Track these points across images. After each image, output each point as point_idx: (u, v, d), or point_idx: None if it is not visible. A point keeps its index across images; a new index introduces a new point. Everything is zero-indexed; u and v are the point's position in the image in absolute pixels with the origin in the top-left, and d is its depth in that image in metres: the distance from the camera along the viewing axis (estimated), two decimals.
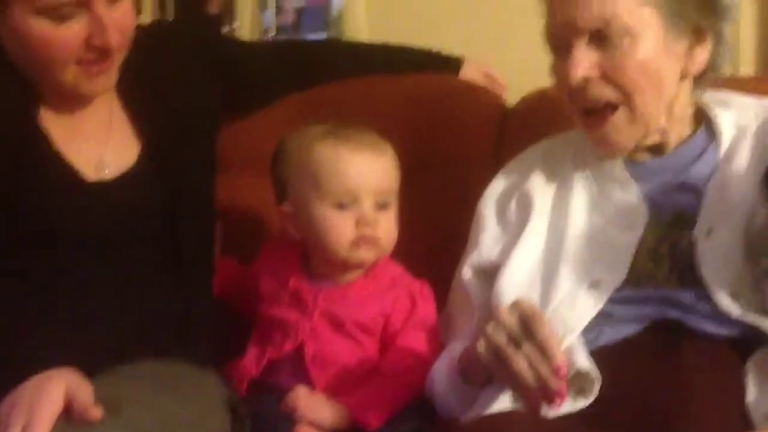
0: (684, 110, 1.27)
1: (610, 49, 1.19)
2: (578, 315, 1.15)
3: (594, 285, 1.18)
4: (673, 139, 1.27)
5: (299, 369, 1.32)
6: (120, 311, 1.27)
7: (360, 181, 1.33)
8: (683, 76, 1.24)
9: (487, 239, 1.31)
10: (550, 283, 1.20)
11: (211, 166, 1.46)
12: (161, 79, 1.38)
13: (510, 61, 1.70)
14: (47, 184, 1.26)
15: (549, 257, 1.24)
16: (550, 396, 0.97)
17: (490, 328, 1.04)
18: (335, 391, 1.29)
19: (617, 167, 1.27)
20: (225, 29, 2.02)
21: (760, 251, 1.09)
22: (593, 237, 1.23)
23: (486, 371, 1.09)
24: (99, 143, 1.31)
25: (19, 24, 1.21)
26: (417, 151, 1.53)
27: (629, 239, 1.20)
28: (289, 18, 1.99)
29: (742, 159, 1.22)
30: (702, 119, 1.29)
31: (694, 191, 1.22)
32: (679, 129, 1.27)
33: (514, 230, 1.29)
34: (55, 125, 1.30)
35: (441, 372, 1.23)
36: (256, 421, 1.26)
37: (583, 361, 1.06)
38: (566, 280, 1.19)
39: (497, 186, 1.37)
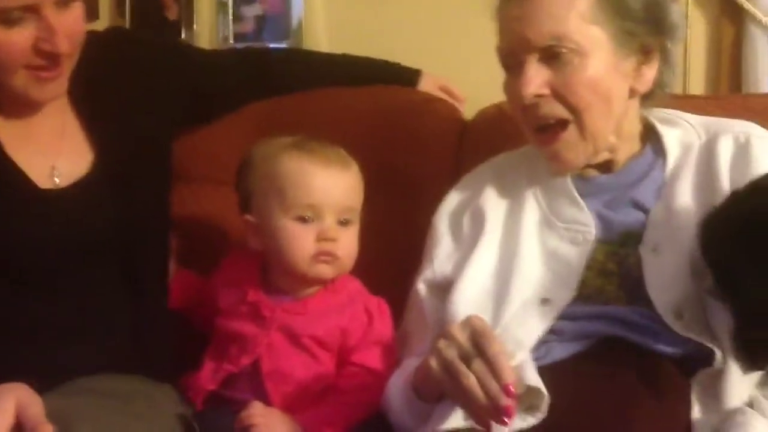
0: (633, 128, 1.30)
1: (560, 66, 1.21)
2: (528, 331, 1.17)
3: (544, 302, 1.20)
4: (622, 156, 1.30)
5: (256, 383, 1.33)
6: (72, 324, 1.26)
7: (324, 196, 1.34)
8: (632, 94, 1.27)
9: (441, 254, 1.33)
10: (501, 299, 1.22)
11: (166, 176, 1.46)
12: (116, 88, 1.38)
13: (468, 73, 1.72)
14: None
15: (501, 273, 1.25)
16: (499, 413, 0.99)
17: (441, 345, 1.06)
18: (291, 406, 1.30)
19: (567, 184, 1.29)
20: (183, 36, 2.01)
21: (703, 271, 1.11)
22: (544, 253, 1.25)
23: (439, 387, 1.10)
24: (51, 151, 1.31)
25: None
26: (375, 163, 1.53)
27: (578, 256, 1.23)
28: (248, 26, 1.99)
29: (687, 178, 1.25)
30: (649, 137, 1.31)
31: (642, 209, 1.25)
32: (628, 146, 1.30)
33: (467, 246, 1.31)
34: (6, 132, 1.29)
35: (396, 388, 1.24)
36: None
37: (533, 377, 1.08)
38: (517, 296, 1.21)
39: (451, 201, 1.38)
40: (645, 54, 1.25)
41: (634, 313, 1.17)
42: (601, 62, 1.22)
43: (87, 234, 1.29)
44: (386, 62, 1.70)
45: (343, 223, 1.36)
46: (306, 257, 1.33)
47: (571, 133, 1.24)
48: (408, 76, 1.69)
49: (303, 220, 1.34)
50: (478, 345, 1.02)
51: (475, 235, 1.30)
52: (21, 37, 1.20)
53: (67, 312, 1.27)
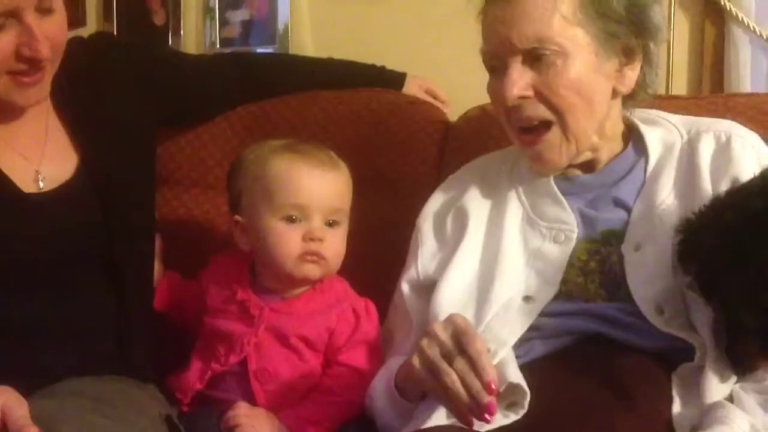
0: (615, 128, 1.31)
1: (543, 68, 1.22)
2: (511, 329, 1.18)
3: (527, 299, 1.21)
4: (604, 156, 1.31)
5: (242, 382, 1.33)
6: (57, 326, 1.27)
7: (311, 196, 1.35)
8: (614, 95, 1.28)
9: (425, 254, 1.34)
10: (484, 297, 1.23)
11: (151, 179, 1.46)
12: (99, 92, 1.38)
13: (452, 76, 1.73)
14: None
15: (484, 272, 1.26)
16: (481, 410, 0.99)
17: (424, 343, 1.07)
18: (277, 405, 1.31)
19: (550, 183, 1.30)
20: (170, 41, 2.02)
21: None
22: (526, 252, 1.26)
23: (421, 386, 1.11)
24: (35, 155, 1.31)
25: None
26: (360, 164, 1.54)
27: (561, 254, 1.24)
28: (234, 31, 2.00)
29: (669, 177, 1.26)
30: (631, 136, 1.33)
31: (624, 207, 1.26)
32: (610, 146, 1.31)
33: (450, 245, 1.31)
34: None
35: (380, 387, 1.25)
36: None
37: (515, 374, 1.09)
38: (500, 294, 1.22)
39: (435, 201, 1.39)
40: (627, 55, 1.26)
41: (615, 310, 1.18)
42: (583, 64, 1.23)
43: (71, 237, 1.29)
44: (371, 65, 1.72)
45: (331, 224, 1.36)
46: (293, 257, 1.34)
47: (554, 134, 1.25)
48: (393, 79, 1.71)
49: (290, 220, 1.35)
50: (460, 343, 1.03)
51: (459, 235, 1.31)
52: (2, 43, 1.20)
53: (51, 315, 1.27)
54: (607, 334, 1.16)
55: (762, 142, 1.29)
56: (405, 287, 1.34)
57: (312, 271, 1.35)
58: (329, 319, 1.35)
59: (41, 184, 1.30)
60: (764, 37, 1.68)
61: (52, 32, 1.23)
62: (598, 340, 1.17)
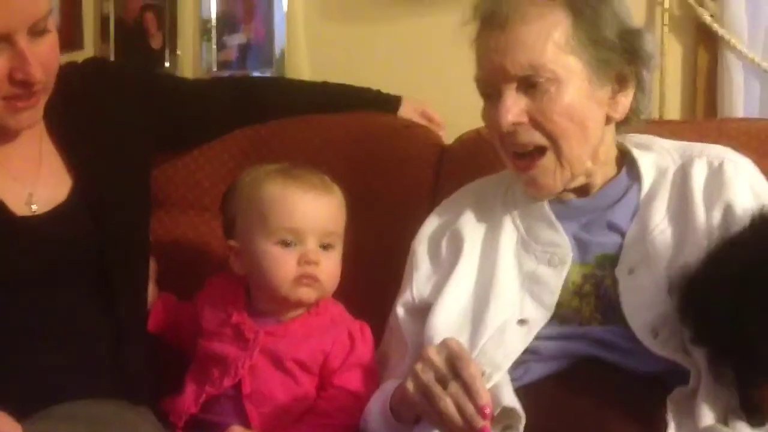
0: (609, 153, 1.33)
1: (537, 95, 1.23)
2: (506, 352, 1.18)
3: (522, 322, 1.22)
4: (598, 180, 1.32)
5: (237, 407, 1.33)
6: (52, 349, 1.27)
7: (306, 220, 1.35)
8: (608, 121, 1.29)
9: (420, 277, 1.34)
10: (479, 321, 1.23)
11: (146, 202, 1.46)
12: (94, 116, 1.39)
13: (447, 99, 1.74)
14: None
15: (479, 295, 1.27)
16: None
17: (418, 367, 1.07)
18: (271, 428, 1.30)
19: (544, 207, 1.31)
20: (167, 64, 2.04)
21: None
22: (521, 275, 1.27)
23: (416, 409, 1.11)
24: (28, 178, 1.31)
25: None
26: (356, 187, 1.54)
27: (555, 277, 1.24)
28: (231, 54, 2.01)
29: (662, 201, 1.27)
30: (624, 161, 1.34)
31: (618, 231, 1.27)
32: (604, 171, 1.32)
33: (445, 269, 1.32)
34: None
35: (375, 410, 1.25)
36: None
37: (510, 398, 1.10)
38: (495, 317, 1.22)
39: (430, 225, 1.40)
40: (620, 82, 1.28)
41: (610, 333, 1.19)
42: (577, 91, 1.24)
43: (64, 260, 1.29)
44: (367, 89, 1.73)
45: (326, 247, 1.37)
46: (288, 280, 1.34)
47: (548, 159, 1.26)
48: (388, 102, 1.72)
49: (285, 243, 1.35)
50: (454, 367, 1.04)
51: (454, 259, 1.32)
52: None
53: (44, 338, 1.27)
54: (603, 358, 1.17)
55: (754, 167, 1.30)
56: (400, 310, 1.34)
57: (307, 294, 1.36)
58: (324, 342, 1.35)
59: (34, 207, 1.30)
60: (756, 62, 1.69)
61: (44, 55, 1.24)
62: (593, 364, 1.17)
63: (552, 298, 1.23)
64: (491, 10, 1.26)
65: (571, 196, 1.32)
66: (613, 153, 1.34)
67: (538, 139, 1.25)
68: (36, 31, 1.22)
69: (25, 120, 1.27)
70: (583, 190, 1.32)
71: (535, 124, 1.25)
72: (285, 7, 1.95)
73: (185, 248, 1.64)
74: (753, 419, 1.05)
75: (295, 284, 1.34)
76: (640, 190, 1.29)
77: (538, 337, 1.20)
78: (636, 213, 1.28)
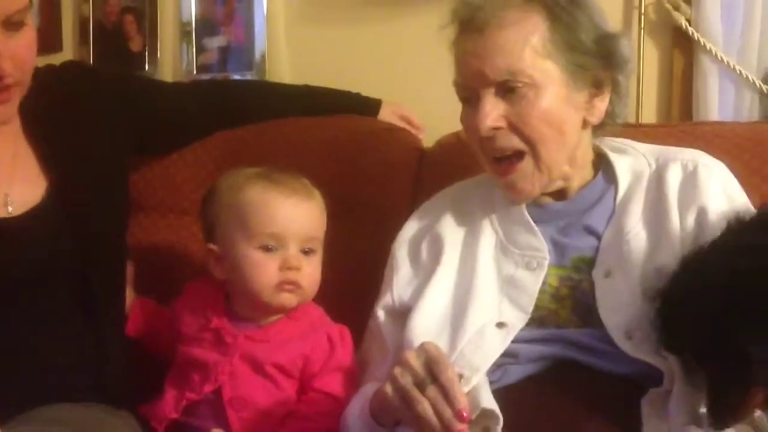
0: (585, 157, 1.34)
1: (516, 100, 1.25)
2: (484, 355, 1.19)
3: (500, 325, 1.23)
4: (575, 184, 1.33)
5: (217, 411, 1.33)
6: (30, 353, 1.26)
7: (287, 225, 1.35)
8: (584, 125, 1.31)
9: (400, 281, 1.35)
10: (459, 324, 1.24)
11: (123, 205, 1.46)
12: (70, 119, 1.38)
13: (427, 103, 1.75)
14: None
15: (458, 299, 1.28)
16: None
17: (397, 371, 1.08)
18: None
19: (522, 211, 1.32)
20: (147, 67, 2.03)
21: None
22: (500, 279, 1.28)
23: (395, 413, 1.12)
24: (3, 179, 1.30)
25: None
26: (336, 190, 1.54)
27: (533, 281, 1.26)
28: (211, 57, 2.01)
29: (638, 204, 1.29)
30: (601, 164, 1.35)
31: (594, 234, 1.29)
32: (581, 174, 1.34)
33: (425, 272, 1.33)
34: None
35: (354, 413, 1.25)
36: None
37: (488, 400, 1.11)
38: (474, 321, 1.23)
39: (410, 228, 1.41)
40: (597, 87, 1.29)
41: (586, 336, 1.20)
42: (554, 95, 1.25)
43: (41, 262, 1.28)
44: (347, 92, 1.73)
45: (307, 252, 1.37)
46: (270, 286, 1.34)
47: (526, 163, 1.27)
48: (368, 106, 1.73)
49: (266, 249, 1.35)
50: (432, 371, 1.05)
51: (434, 262, 1.33)
52: None
53: (22, 341, 1.26)
54: (579, 360, 1.18)
55: (728, 171, 1.32)
56: (380, 313, 1.35)
57: (289, 300, 1.36)
58: (304, 346, 1.35)
59: (10, 209, 1.29)
60: (732, 66, 1.71)
61: (18, 51, 1.23)
62: (570, 366, 1.18)
63: (530, 301, 1.24)
64: (470, 14, 1.27)
65: (549, 200, 1.34)
66: (590, 156, 1.35)
67: (517, 143, 1.26)
68: (11, 23, 1.21)
69: None
70: (560, 194, 1.33)
71: (514, 128, 1.26)
72: (265, 10, 1.95)
73: (165, 252, 1.64)
74: (718, 422, 1.06)
75: (276, 290, 1.35)
76: (616, 193, 1.31)
77: (516, 340, 1.21)
78: (612, 216, 1.29)
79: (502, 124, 1.25)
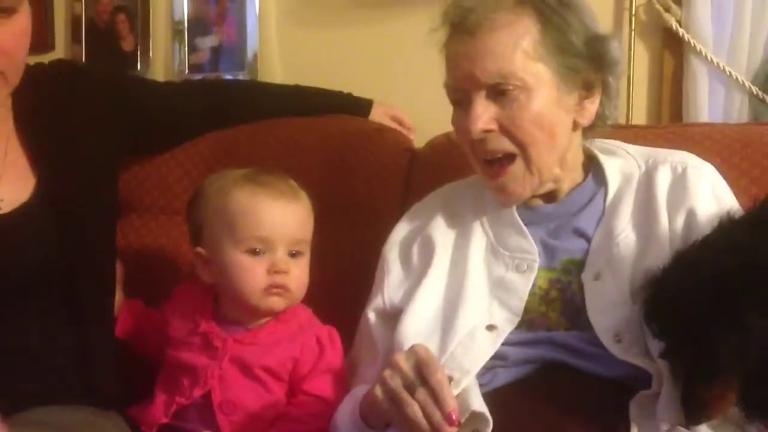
0: (576, 159, 1.34)
1: (507, 102, 1.25)
2: (474, 357, 1.19)
3: (490, 328, 1.23)
4: (565, 186, 1.33)
5: (207, 415, 1.33)
6: (17, 354, 1.26)
7: (274, 228, 1.35)
8: (575, 127, 1.31)
9: (391, 283, 1.35)
10: (449, 326, 1.24)
11: (112, 205, 1.45)
12: (61, 117, 1.38)
13: (418, 103, 1.76)
14: None
15: (448, 301, 1.28)
16: None
17: (386, 374, 1.08)
18: None
19: (513, 213, 1.32)
20: (139, 67, 2.03)
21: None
22: (490, 281, 1.28)
23: (385, 415, 1.12)
24: None
25: None
26: (326, 191, 1.56)
27: (523, 283, 1.26)
28: (203, 57, 2.01)
29: (627, 206, 1.29)
30: (591, 166, 1.36)
31: (584, 237, 1.29)
32: (571, 176, 1.34)
33: (416, 274, 1.33)
34: None
35: (344, 415, 1.25)
36: None
37: (478, 403, 1.11)
38: (464, 323, 1.24)
39: (401, 230, 1.41)
40: (587, 89, 1.29)
41: (575, 338, 1.21)
42: (545, 98, 1.25)
43: (29, 261, 1.28)
44: (338, 92, 1.74)
45: (294, 254, 1.37)
46: (258, 290, 1.34)
47: (517, 166, 1.28)
48: (359, 106, 1.73)
49: (254, 252, 1.34)
50: (422, 374, 1.05)
51: (425, 265, 1.33)
52: None
53: (10, 342, 1.26)
54: (568, 363, 1.19)
55: (717, 173, 1.32)
56: (371, 316, 1.35)
57: (277, 303, 1.36)
58: (293, 348, 1.35)
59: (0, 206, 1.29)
60: (721, 67, 1.72)
61: (7, 39, 1.20)
62: (559, 369, 1.19)
63: (519, 303, 1.24)
64: (461, 16, 1.27)
65: (539, 202, 1.34)
66: (580, 159, 1.36)
67: (508, 146, 1.27)
68: (3, 8, 1.18)
69: None
70: (550, 196, 1.34)
71: (505, 131, 1.26)
72: (257, 10, 1.95)
73: (157, 253, 1.64)
74: (692, 417, 1.06)
75: (264, 294, 1.34)
76: (606, 195, 1.31)
77: (505, 343, 1.22)
78: (602, 218, 1.29)
79: (493, 126, 1.26)
